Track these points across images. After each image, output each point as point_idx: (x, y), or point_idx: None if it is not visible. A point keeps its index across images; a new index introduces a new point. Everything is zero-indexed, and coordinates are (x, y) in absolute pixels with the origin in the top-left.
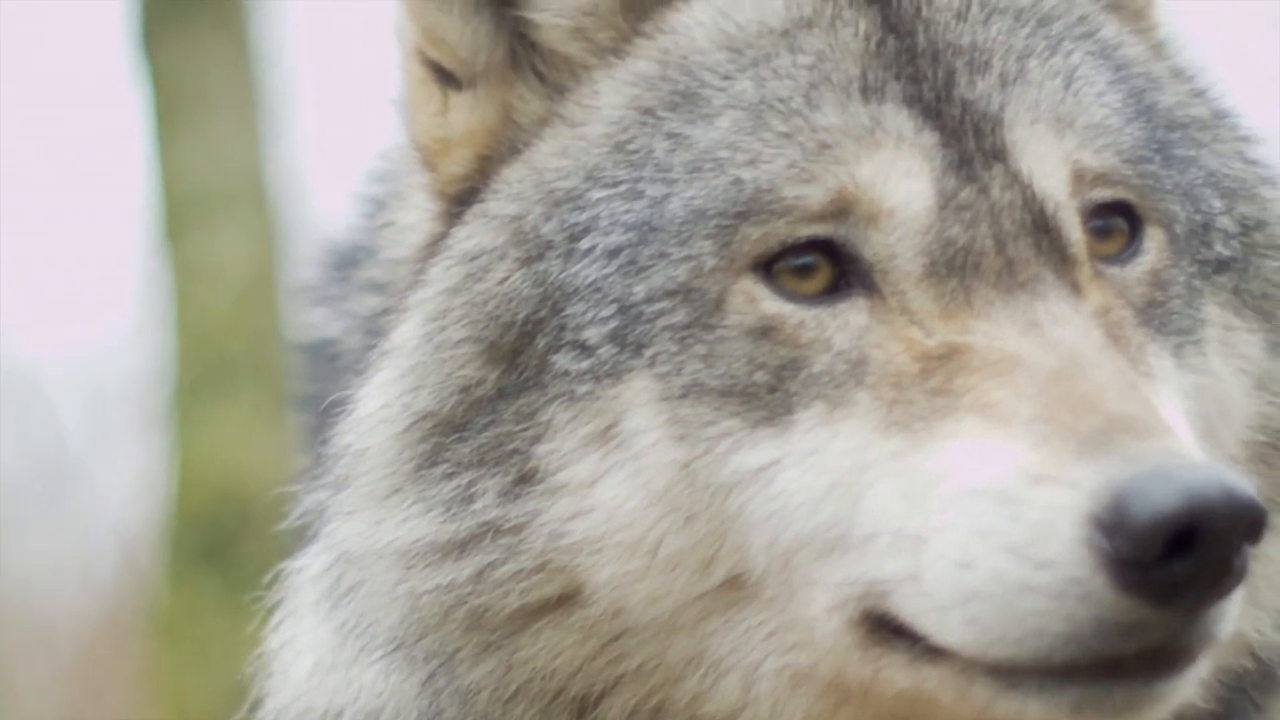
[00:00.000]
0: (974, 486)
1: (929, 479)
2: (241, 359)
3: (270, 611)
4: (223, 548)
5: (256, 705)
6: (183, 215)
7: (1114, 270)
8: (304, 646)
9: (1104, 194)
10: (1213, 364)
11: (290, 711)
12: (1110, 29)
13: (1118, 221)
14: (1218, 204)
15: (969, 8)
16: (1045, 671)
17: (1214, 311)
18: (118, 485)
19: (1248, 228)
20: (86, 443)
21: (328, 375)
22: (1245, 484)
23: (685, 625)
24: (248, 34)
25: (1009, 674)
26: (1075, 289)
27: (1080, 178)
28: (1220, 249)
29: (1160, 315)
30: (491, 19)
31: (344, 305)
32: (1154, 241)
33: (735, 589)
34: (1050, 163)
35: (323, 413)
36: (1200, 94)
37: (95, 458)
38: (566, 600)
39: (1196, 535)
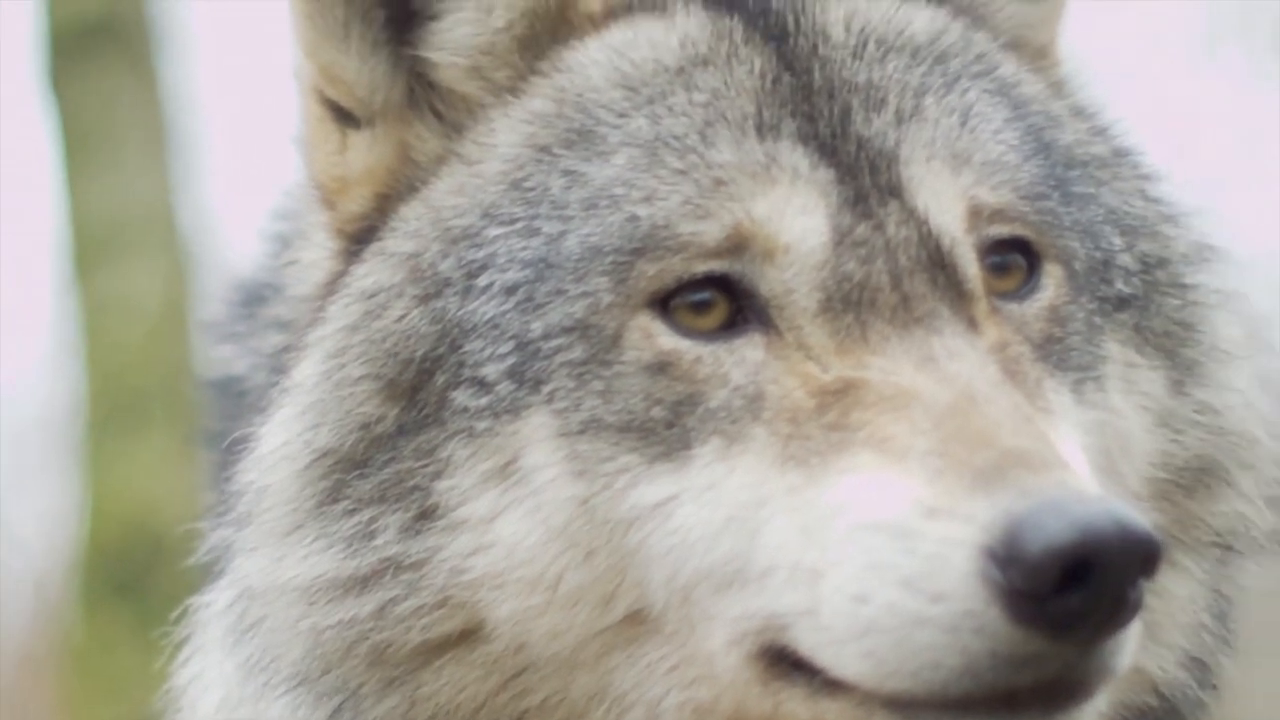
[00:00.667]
0: (869, 520)
1: (825, 513)
2: (153, 394)
3: (178, 646)
4: (135, 582)
5: None
6: (93, 251)
7: (1012, 306)
8: (211, 681)
9: (1001, 230)
10: (1113, 400)
11: None
12: (1008, 67)
13: (1015, 258)
14: (1118, 241)
15: (865, 46)
16: (942, 704)
17: (1115, 348)
18: (29, 521)
19: (1149, 265)
20: None
21: (235, 412)
22: (1140, 517)
23: (587, 660)
24: (156, 71)
25: (906, 706)
26: (972, 324)
27: (977, 214)
28: (1121, 286)
29: (1059, 351)
30: (389, 58)
31: (250, 342)
32: (1052, 278)
33: (636, 624)
34: (946, 199)
35: (228, 449)
36: (1101, 132)
37: (6, 493)
38: (468, 636)
39: (1090, 568)
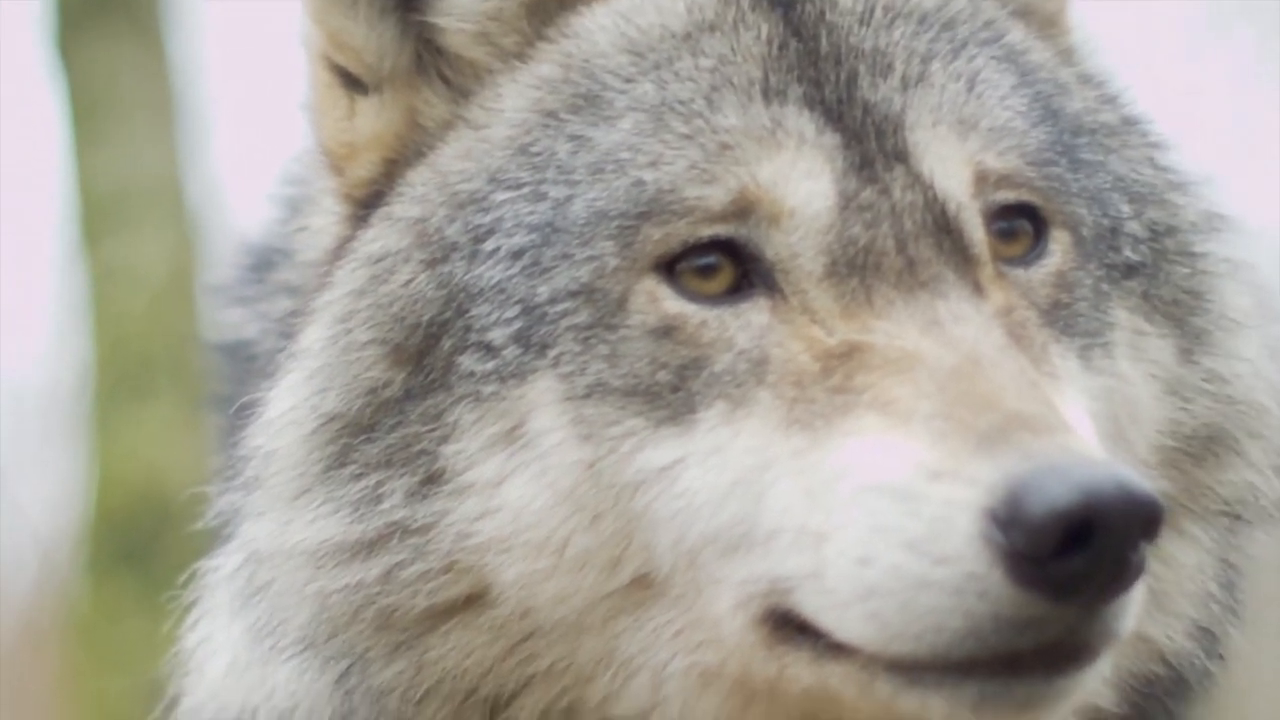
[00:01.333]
0: (874, 483)
1: (830, 476)
2: (160, 361)
3: (186, 610)
4: (143, 549)
5: (172, 704)
6: (100, 219)
7: (1018, 272)
8: (218, 645)
9: (1008, 196)
10: (1121, 367)
11: (205, 710)
12: (1016, 34)
13: (1022, 224)
14: (1126, 209)
15: (872, 12)
16: (946, 667)
17: (1123, 315)
18: (37, 490)
19: (1158, 233)
20: (5, 447)
21: (244, 376)
22: (1142, 480)
23: (594, 625)
24: (163, 38)
25: (910, 670)
26: (977, 289)
27: (983, 179)
28: (1129, 254)
29: (1066, 316)
30: (397, 24)
31: (260, 306)
32: (1059, 244)
33: (643, 588)
34: (952, 164)
35: (236, 414)
36: (1110, 100)
37: (14, 462)
38: (475, 600)
39: (1092, 530)
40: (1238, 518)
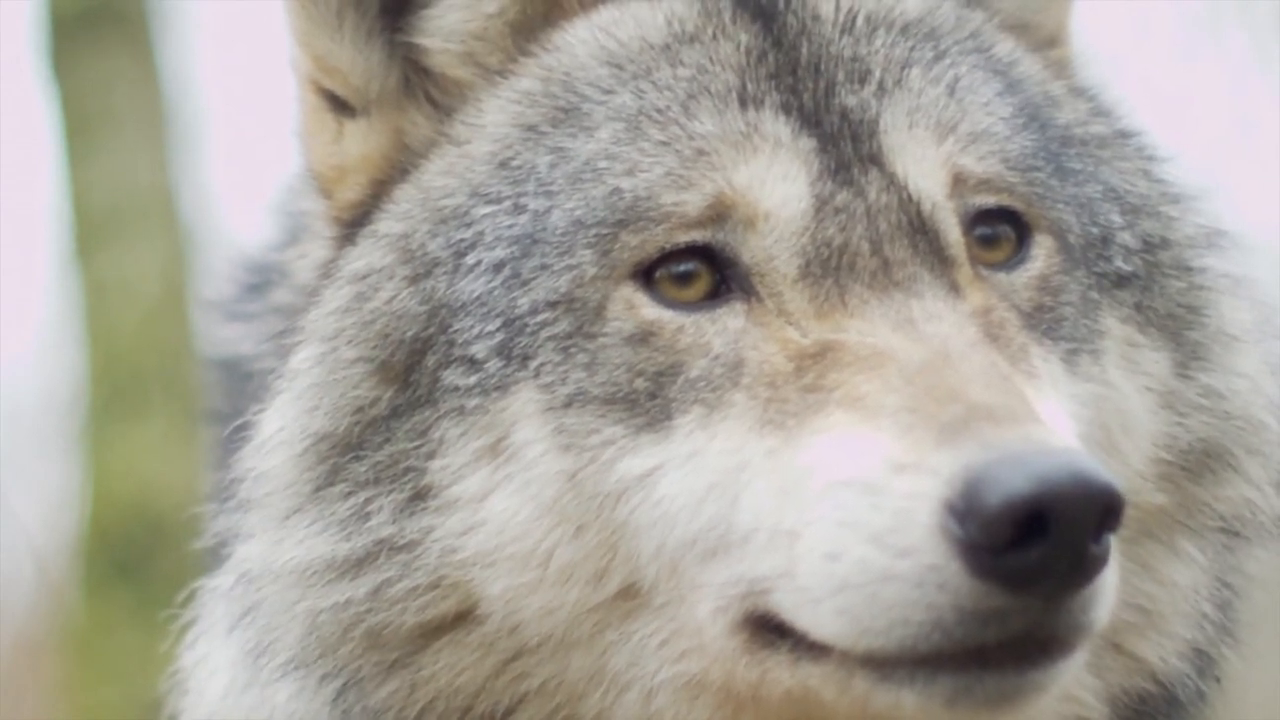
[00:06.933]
0: (841, 478)
1: (800, 473)
2: (153, 376)
3: (184, 629)
4: (136, 564)
5: None
6: (93, 233)
7: (1000, 276)
8: (217, 664)
9: (988, 200)
10: (1111, 376)
11: None
12: (1004, 46)
13: (1004, 229)
14: (1118, 219)
15: (854, 22)
16: (916, 662)
17: (1114, 325)
18: (30, 503)
19: (1151, 245)
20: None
21: (240, 391)
22: (1102, 470)
23: (582, 639)
24: (156, 52)
25: (881, 665)
26: (953, 289)
27: (961, 181)
28: (1121, 264)
29: (1049, 320)
30: (383, 47)
31: (257, 324)
32: (1042, 249)
33: (629, 599)
34: (927, 165)
35: (232, 434)
36: (1103, 113)
37: (8, 475)
38: (464, 617)
39: (1048, 520)
40: (1235, 535)
